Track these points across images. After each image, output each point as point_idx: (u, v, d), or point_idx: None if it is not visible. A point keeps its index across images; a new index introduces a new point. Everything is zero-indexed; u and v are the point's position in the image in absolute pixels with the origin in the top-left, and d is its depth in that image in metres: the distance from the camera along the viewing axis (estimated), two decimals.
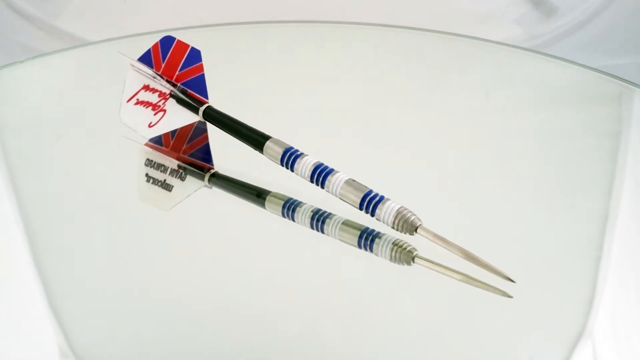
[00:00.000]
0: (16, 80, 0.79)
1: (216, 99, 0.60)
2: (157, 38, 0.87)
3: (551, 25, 1.31)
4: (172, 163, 0.60)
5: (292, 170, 0.54)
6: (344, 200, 0.52)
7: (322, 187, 0.53)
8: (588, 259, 0.54)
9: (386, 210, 0.49)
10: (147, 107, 0.61)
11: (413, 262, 0.47)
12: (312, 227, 0.53)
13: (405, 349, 0.47)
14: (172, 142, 0.61)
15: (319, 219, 0.52)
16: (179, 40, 0.60)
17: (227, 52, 0.86)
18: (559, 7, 1.31)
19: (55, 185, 0.62)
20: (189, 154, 0.61)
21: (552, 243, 0.55)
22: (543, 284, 0.51)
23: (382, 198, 0.50)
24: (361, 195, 0.51)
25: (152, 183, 0.59)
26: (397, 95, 0.76)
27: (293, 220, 0.53)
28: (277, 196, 0.54)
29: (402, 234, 0.49)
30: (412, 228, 0.48)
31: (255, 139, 0.56)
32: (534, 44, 1.30)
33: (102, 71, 0.82)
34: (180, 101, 0.60)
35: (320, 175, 0.53)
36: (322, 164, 0.53)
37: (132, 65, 0.62)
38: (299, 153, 0.54)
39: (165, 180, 0.59)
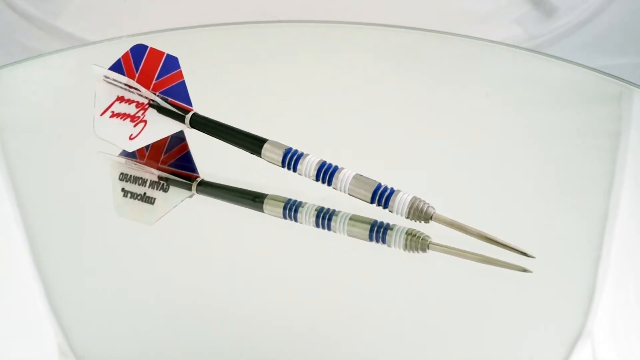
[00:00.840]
0: (16, 80, 0.79)
1: (214, 99, 0.61)
2: (157, 38, 0.88)
3: (551, 25, 1.31)
4: (152, 175, 0.58)
5: (294, 170, 0.54)
6: (353, 196, 0.52)
7: (329, 184, 0.53)
8: (587, 259, 0.54)
9: (399, 201, 0.51)
10: (124, 119, 0.59)
11: (428, 248, 0.50)
12: (317, 225, 0.53)
13: (404, 349, 0.47)
14: (147, 154, 0.60)
15: (324, 217, 0.53)
16: (152, 48, 0.59)
17: (227, 53, 0.86)
18: (559, 7, 1.31)
19: (55, 185, 0.62)
20: (169, 164, 0.59)
21: (551, 243, 0.55)
22: (542, 284, 0.51)
23: (392, 190, 0.51)
24: (372, 189, 0.52)
25: (131, 197, 0.57)
26: (396, 96, 0.76)
27: (295, 220, 0.53)
28: (275, 198, 0.54)
29: (415, 222, 0.50)
30: (427, 216, 0.50)
31: (252, 143, 0.56)
32: (534, 44, 1.30)
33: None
34: (162, 110, 0.58)
35: (326, 172, 0.53)
36: (326, 162, 0.54)
37: (106, 77, 0.59)
38: (300, 153, 0.54)
39: (145, 193, 0.57)
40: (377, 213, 0.52)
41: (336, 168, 0.53)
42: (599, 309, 0.49)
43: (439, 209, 0.55)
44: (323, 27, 0.94)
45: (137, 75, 0.58)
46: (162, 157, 0.60)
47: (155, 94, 0.58)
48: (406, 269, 0.52)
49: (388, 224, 0.51)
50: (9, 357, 0.47)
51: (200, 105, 0.60)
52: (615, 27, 1.31)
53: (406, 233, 0.50)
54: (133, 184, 0.58)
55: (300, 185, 0.55)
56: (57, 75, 0.82)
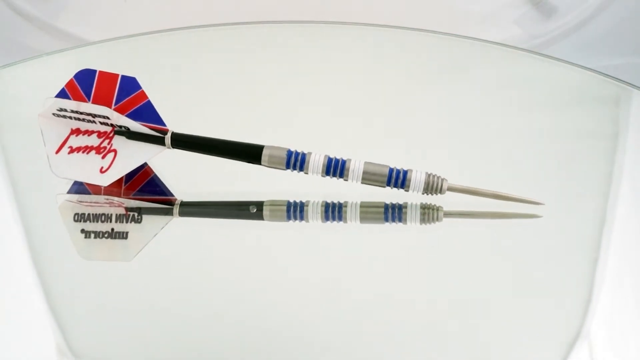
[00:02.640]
0: (16, 80, 0.79)
1: (212, 100, 0.60)
2: (157, 38, 0.88)
3: (551, 26, 1.31)
4: (117, 208, 0.54)
5: (301, 170, 0.54)
6: (367, 183, 0.53)
7: (341, 176, 0.54)
8: (585, 261, 0.54)
9: (415, 179, 0.53)
10: (87, 153, 0.54)
11: (443, 217, 0.53)
12: (327, 219, 0.53)
13: (402, 352, 0.47)
14: (103, 188, 0.55)
15: (333, 210, 0.53)
16: (102, 72, 0.54)
17: (226, 52, 0.86)
18: (559, 7, 1.31)
19: (55, 184, 0.62)
20: (134, 194, 0.56)
21: (549, 244, 0.55)
22: (540, 286, 0.51)
23: (405, 170, 0.53)
24: (386, 173, 0.53)
25: (96, 237, 0.52)
26: (395, 97, 0.76)
27: (301, 219, 0.53)
28: (275, 203, 0.54)
29: (427, 196, 0.53)
30: (442, 187, 0.53)
31: (249, 152, 0.54)
32: (533, 44, 1.30)
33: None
34: (133, 136, 0.54)
35: (336, 166, 0.54)
36: (330, 157, 0.54)
37: (59, 110, 0.54)
38: (302, 152, 0.54)
39: (113, 229, 0.52)
40: (381, 196, 0.54)
41: (344, 160, 0.54)
42: (596, 310, 0.49)
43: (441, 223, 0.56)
44: (321, 27, 0.94)
45: (89, 102, 0.54)
46: (123, 188, 0.55)
47: (128, 118, 0.54)
48: (405, 270, 0.52)
49: (399, 204, 0.53)
50: (7, 356, 0.47)
51: (192, 109, 0.60)
52: (615, 27, 1.31)
53: (421, 207, 0.53)
54: (94, 223, 0.53)
55: (292, 188, 0.55)
56: (57, 75, 0.82)
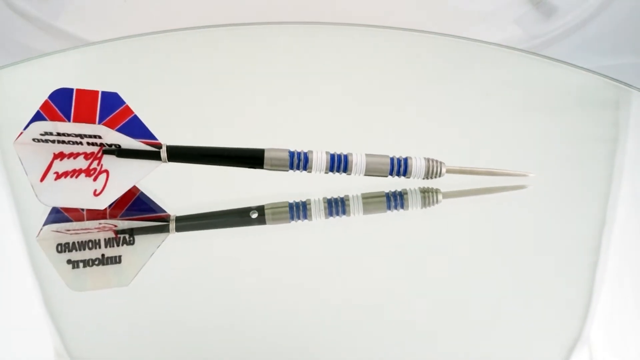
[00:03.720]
0: (16, 81, 0.79)
1: (203, 101, 0.59)
2: (158, 39, 0.88)
3: (551, 26, 1.31)
4: (105, 232, 0.51)
5: (304, 169, 0.54)
6: (370, 175, 0.54)
7: (344, 171, 0.54)
8: (585, 264, 0.54)
9: (415, 166, 0.54)
10: (77, 176, 0.51)
11: (442, 198, 0.55)
12: (330, 214, 0.53)
13: (402, 354, 0.47)
14: (86, 213, 0.52)
15: (336, 205, 0.53)
16: (79, 90, 0.50)
17: (226, 53, 0.86)
18: (559, 7, 1.31)
19: None
20: (121, 215, 0.53)
21: (549, 248, 0.55)
22: (540, 289, 0.51)
23: (405, 158, 0.54)
24: (388, 162, 0.54)
25: (85, 266, 0.49)
26: (394, 98, 0.76)
27: (305, 218, 0.53)
28: (276, 206, 0.54)
29: (423, 180, 0.55)
30: (441, 171, 0.54)
31: (250, 157, 0.53)
32: (533, 44, 1.30)
33: (102, 71, 0.82)
34: (123, 154, 0.51)
35: (339, 161, 0.54)
36: (332, 153, 0.54)
37: (43, 134, 0.50)
38: (302, 152, 0.54)
39: (104, 255, 0.49)
40: (380, 186, 0.55)
41: (345, 155, 0.54)
42: (596, 314, 0.49)
43: (441, 213, 0.56)
44: (320, 28, 0.94)
45: (84, 123, 0.50)
46: (108, 211, 0.52)
47: (122, 135, 0.50)
48: (404, 270, 0.52)
49: (399, 191, 0.55)
50: (4, 358, 0.47)
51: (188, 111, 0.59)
52: (615, 27, 1.31)
53: (421, 191, 0.55)
54: (81, 251, 0.50)
55: (286, 188, 0.55)
56: (57, 76, 0.82)
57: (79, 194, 0.51)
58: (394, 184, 0.56)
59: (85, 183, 0.51)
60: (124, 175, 0.51)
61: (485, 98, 0.77)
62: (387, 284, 0.51)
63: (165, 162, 0.52)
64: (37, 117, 0.50)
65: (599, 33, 1.31)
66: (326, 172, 0.54)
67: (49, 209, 0.53)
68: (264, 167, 0.54)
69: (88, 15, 1.26)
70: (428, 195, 0.55)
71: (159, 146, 0.52)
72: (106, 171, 0.51)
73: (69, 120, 0.50)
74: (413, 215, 0.55)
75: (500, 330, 0.48)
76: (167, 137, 0.67)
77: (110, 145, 0.51)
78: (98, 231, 0.51)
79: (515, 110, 0.74)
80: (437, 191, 0.55)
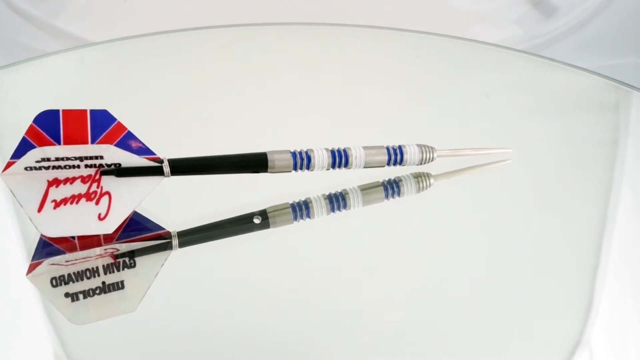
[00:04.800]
0: (16, 82, 0.79)
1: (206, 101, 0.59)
2: (158, 39, 0.88)
3: (551, 26, 1.31)
4: (103, 259, 0.48)
5: (307, 168, 0.54)
6: (369, 167, 0.55)
7: (345, 166, 0.55)
8: (586, 267, 0.54)
9: (410, 153, 0.56)
10: (77, 202, 0.48)
11: (434, 181, 0.57)
12: (332, 210, 0.54)
13: (403, 354, 0.47)
14: (78, 242, 0.49)
15: (337, 200, 0.54)
16: (65, 111, 0.47)
17: (225, 53, 0.86)
18: (559, 7, 1.31)
19: None
20: (117, 239, 0.50)
21: (549, 250, 0.55)
22: (540, 292, 0.51)
23: (399, 146, 0.56)
24: (385, 152, 0.55)
25: (85, 297, 0.46)
26: (393, 99, 0.76)
27: (307, 218, 0.53)
28: (278, 208, 0.54)
29: (419, 165, 0.57)
30: (432, 156, 0.57)
31: (254, 162, 0.52)
32: (534, 44, 1.30)
33: (103, 72, 0.83)
34: (123, 172, 0.48)
35: (340, 157, 0.54)
36: (332, 149, 0.54)
37: (32, 166, 0.47)
38: (304, 151, 0.54)
39: (104, 282, 0.47)
40: (374, 176, 0.57)
41: (345, 150, 0.54)
42: (596, 317, 0.49)
43: (438, 217, 0.56)
44: (319, 29, 0.94)
45: (88, 144, 0.47)
46: (102, 237, 0.49)
47: (126, 151, 0.48)
48: (403, 272, 0.52)
49: (394, 179, 0.56)
50: None
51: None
52: (615, 27, 1.31)
53: (414, 177, 0.57)
54: (79, 282, 0.47)
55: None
56: (57, 76, 0.82)
57: (83, 220, 0.48)
58: (382, 173, 0.57)
59: (87, 208, 0.48)
60: (127, 195, 0.48)
61: (484, 99, 0.77)
62: (395, 275, 0.51)
63: (167, 176, 0.50)
64: (24, 143, 0.47)
65: (599, 33, 1.31)
66: (327, 169, 0.55)
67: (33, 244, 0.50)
68: (268, 170, 0.53)
69: (88, 15, 1.26)
70: (421, 180, 0.56)
71: (160, 160, 0.50)
72: (107, 193, 0.48)
73: (60, 144, 0.47)
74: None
75: (501, 333, 0.48)
76: (167, 137, 0.67)
77: (109, 165, 0.48)
78: (95, 258, 0.48)
79: (514, 111, 0.74)
80: (428, 175, 0.57)
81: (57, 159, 0.47)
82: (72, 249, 0.48)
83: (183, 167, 0.50)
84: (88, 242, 0.49)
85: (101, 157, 0.47)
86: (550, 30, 1.31)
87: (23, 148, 0.47)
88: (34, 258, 0.48)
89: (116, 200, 0.48)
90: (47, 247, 0.49)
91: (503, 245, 0.55)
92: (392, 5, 1.28)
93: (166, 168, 0.49)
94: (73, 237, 0.49)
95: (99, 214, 0.48)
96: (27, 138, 0.47)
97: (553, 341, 0.48)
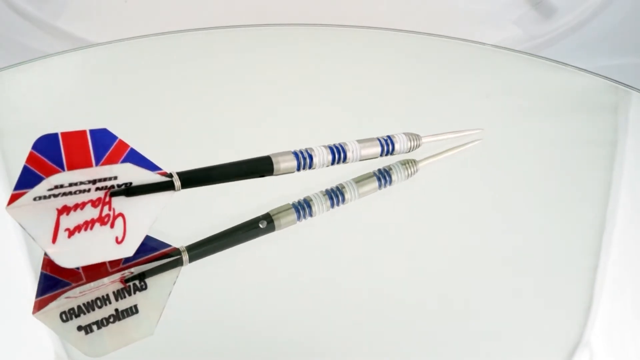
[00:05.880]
0: (17, 81, 0.79)
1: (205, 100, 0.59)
2: (159, 40, 0.88)
3: (551, 26, 1.31)
4: (113, 285, 0.46)
5: (310, 167, 0.54)
6: (365, 159, 0.56)
7: (344, 161, 0.55)
8: (585, 267, 0.54)
9: (400, 142, 0.58)
10: (91, 228, 0.45)
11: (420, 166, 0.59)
12: (332, 206, 0.54)
13: (405, 355, 0.47)
14: (84, 273, 0.46)
15: (336, 195, 0.54)
16: (65, 133, 0.44)
17: (226, 54, 0.87)
18: (559, 8, 1.31)
19: None
20: (124, 264, 0.47)
21: (549, 251, 0.55)
22: (540, 293, 0.51)
23: (388, 136, 0.58)
24: (378, 143, 0.57)
25: (100, 327, 0.44)
26: (392, 98, 0.76)
27: (310, 216, 0.53)
28: (281, 210, 0.54)
29: (405, 153, 0.59)
30: (419, 142, 0.59)
31: (260, 166, 0.52)
32: (533, 45, 1.30)
33: (104, 73, 0.83)
34: (132, 191, 0.46)
35: (339, 152, 0.55)
36: (330, 146, 0.55)
37: (43, 195, 0.43)
38: (305, 149, 0.54)
39: (117, 309, 0.45)
40: (366, 168, 0.58)
41: (341, 144, 0.55)
42: (596, 318, 0.49)
43: (436, 214, 0.56)
44: (319, 29, 0.94)
45: (64, 171, 0.44)
46: (108, 263, 0.47)
47: (140, 168, 0.46)
48: (402, 274, 0.52)
49: (384, 168, 0.58)
50: None
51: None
52: (615, 27, 1.31)
53: (402, 165, 0.58)
54: (90, 313, 0.44)
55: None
56: (58, 77, 0.82)
57: (101, 246, 0.45)
58: (367, 164, 0.58)
59: (103, 233, 0.45)
60: (141, 214, 0.46)
61: (484, 100, 0.77)
62: (398, 273, 0.52)
63: (178, 190, 0.48)
64: (26, 172, 0.44)
65: (599, 33, 1.31)
66: (327, 166, 0.55)
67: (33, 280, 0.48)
68: (274, 173, 0.53)
69: (89, 16, 1.26)
70: (409, 167, 0.58)
71: (169, 175, 0.48)
72: (121, 214, 0.46)
73: (63, 169, 0.44)
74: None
75: (501, 335, 0.48)
76: (167, 138, 0.67)
77: (120, 186, 0.45)
78: (104, 287, 0.46)
79: (514, 111, 0.74)
80: (414, 161, 0.59)
81: (70, 185, 0.43)
82: (78, 279, 0.46)
83: (193, 179, 0.49)
84: (94, 270, 0.46)
85: (115, 178, 0.45)
86: (550, 30, 1.31)
87: (26, 178, 0.44)
88: (38, 294, 0.45)
89: (131, 221, 0.46)
90: (49, 281, 0.46)
91: (503, 246, 0.55)
92: (392, 5, 1.28)
93: (177, 182, 0.48)
94: (77, 267, 0.46)
95: (116, 237, 0.46)
96: (29, 166, 0.44)
97: (553, 341, 0.48)
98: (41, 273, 0.46)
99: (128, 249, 0.46)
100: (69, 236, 0.44)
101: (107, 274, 0.46)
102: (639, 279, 0.54)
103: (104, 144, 0.45)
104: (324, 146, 0.55)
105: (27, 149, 0.66)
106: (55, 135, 0.44)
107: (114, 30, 1.19)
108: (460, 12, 1.30)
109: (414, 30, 0.89)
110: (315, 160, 0.54)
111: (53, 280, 0.46)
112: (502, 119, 0.73)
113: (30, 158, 0.44)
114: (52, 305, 0.44)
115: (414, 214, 0.58)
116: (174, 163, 0.49)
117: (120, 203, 0.45)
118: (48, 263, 0.46)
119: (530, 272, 0.53)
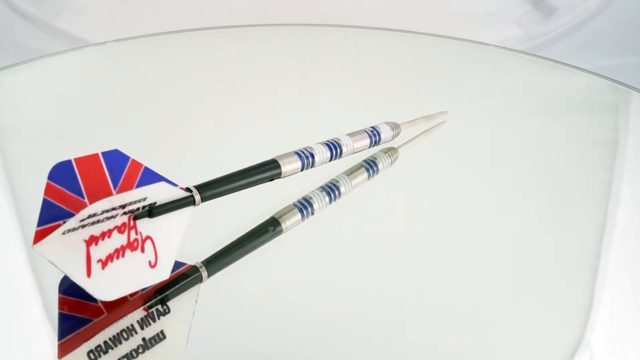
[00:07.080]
0: (17, 81, 0.79)
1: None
2: (158, 40, 0.88)
3: (551, 26, 1.31)
4: (136, 314, 0.44)
5: (312, 166, 0.54)
6: (356, 152, 0.58)
7: (340, 156, 0.56)
8: (586, 268, 0.54)
9: (384, 132, 0.60)
10: (122, 256, 0.42)
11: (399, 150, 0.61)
12: (330, 202, 0.55)
13: (406, 355, 0.47)
14: (104, 306, 0.44)
15: (332, 190, 0.55)
16: (77, 159, 0.41)
17: (225, 54, 0.86)
18: (559, 8, 1.31)
19: None
20: (143, 291, 0.45)
21: (549, 252, 0.55)
22: (540, 294, 0.51)
23: (373, 127, 0.60)
24: (366, 135, 0.58)
25: (129, 359, 0.42)
26: (392, 99, 0.76)
27: (312, 214, 0.54)
28: (285, 211, 0.54)
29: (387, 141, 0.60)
30: (401, 129, 0.62)
31: (268, 171, 0.51)
32: (533, 45, 1.30)
33: (102, 73, 0.83)
34: (155, 212, 0.44)
35: (335, 148, 0.56)
36: (327, 143, 0.56)
37: (75, 226, 0.40)
38: (303, 149, 0.54)
39: (144, 338, 0.43)
40: (354, 159, 0.59)
41: (336, 140, 0.56)
42: (597, 318, 0.49)
43: (436, 215, 0.56)
44: (318, 29, 0.94)
45: (85, 198, 0.42)
46: (128, 296, 0.44)
47: (167, 184, 0.44)
48: (402, 277, 0.52)
49: (370, 159, 0.59)
50: None
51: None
52: (615, 27, 1.31)
53: (385, 154, 0.60)
54: (117, 347, 0.42)
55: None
56: (58, 77, 0.82)
57: (136, 272, 0.43)
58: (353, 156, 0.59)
59: (135, 259, 0.43)
60: (168, 233, 0.44)
61: (484, 100, 0.77)
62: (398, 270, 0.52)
63: (198, 204, 0.46)
64: (47, 206, 0.41)
65: (599, 33, 1.31)
66: (326, 163, 0.55)
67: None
68: (282, 176, 0.52)
69: (89, 16, 1.26)
70: (391, 154, 0.60)
71: (188, 189, 0.46)
72: (148, 237, 0.43)
73: (82, 196, 0.42)
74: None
75: (501, 335, 0.48)
76: (167, 138, 0.67)
77: (144, 207, 0.43)
78: (126, 318, 0.43)
79: (514, 111, 0.74)
80: (395, 149, 0.61)
81: (104, 211, 0.41)
82: (98, 313, 0.43)
83: (211, 192, 0.47)
84: (113, 304, 0.44)
85: (144, 199, 0.43)
86: (550, 30, 1.31)
87: (47, 211, 0.41)
88: (60, 337, 0.42)
89: (159, 242, 0.44)
90: (68, 322, 0.43)
91: (503, 246, 0.55)
92: (391, 6, 1.28)
93: (197, 196, 0.46)
94: (95, 301, 0.43)
95: (149, 262, 0.43)
96: (48, 199, 0.41)
97: (553, 341, 0.48)
98: (59, 313, 0.43)
99: (163, 272, 0.44)
100: (103, 267, 0.42)
101: (126, 302, 0.44)
102: None
103: (118, 167, 0.43)
104: (321, 144, 0.55)
105: (27, 148, 0.67)
106: (69, 162, 0.41)
107: (114, 30, 1.19)
108: (459, 13, 1.30)
109: (414, 30, 0.89)
110: (316, 158, 0.54)
111: (73, 320, 0.43)
112: (502, 119, 0.73)
113: (48, 189, 0.41)
114: (75, 347, 0.42)
115: (410, 200, 0.60)
116: (174, 163, 0.49)
117: (145, 225, 0.43)
118: (64, 302, 0.43)
119: (530, 272, 0.53)
